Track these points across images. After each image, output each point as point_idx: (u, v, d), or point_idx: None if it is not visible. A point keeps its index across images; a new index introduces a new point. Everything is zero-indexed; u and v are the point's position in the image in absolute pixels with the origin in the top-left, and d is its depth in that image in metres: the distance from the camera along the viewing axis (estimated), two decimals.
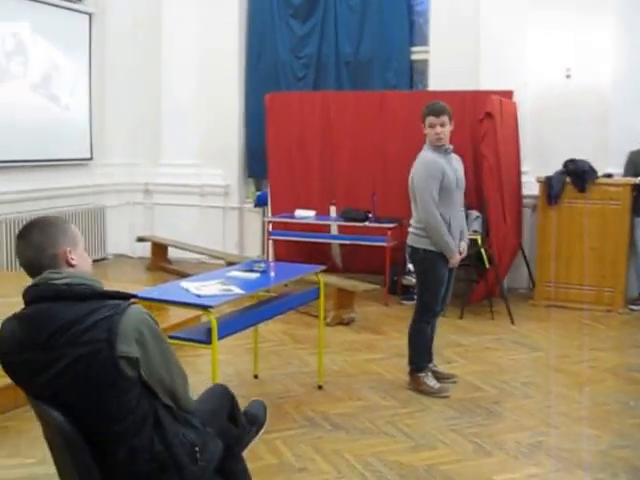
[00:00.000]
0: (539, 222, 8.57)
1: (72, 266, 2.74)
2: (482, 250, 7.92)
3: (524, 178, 8.95)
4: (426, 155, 5.51)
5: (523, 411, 5.35)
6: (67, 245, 2.75)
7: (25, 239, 2.74)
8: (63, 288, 2.65)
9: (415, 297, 6.12)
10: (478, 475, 4.34)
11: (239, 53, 10.94)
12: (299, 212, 9.29)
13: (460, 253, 5.66)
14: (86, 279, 2.73)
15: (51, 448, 2.82)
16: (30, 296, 2.70)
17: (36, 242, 2.71)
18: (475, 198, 8.31)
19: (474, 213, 8.23)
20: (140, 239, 10.87)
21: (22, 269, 2.78)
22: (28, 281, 2.75)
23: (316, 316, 6.84)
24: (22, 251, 2.75)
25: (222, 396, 3.39)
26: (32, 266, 2.73)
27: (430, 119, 5.48)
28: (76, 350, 2.54)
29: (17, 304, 2.76)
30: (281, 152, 9.71)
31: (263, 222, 10.43)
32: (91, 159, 11.14)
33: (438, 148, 5.50)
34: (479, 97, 8.35)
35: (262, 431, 3.81)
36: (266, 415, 3.89)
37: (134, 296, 2.78)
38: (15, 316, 2.73)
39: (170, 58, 11.09)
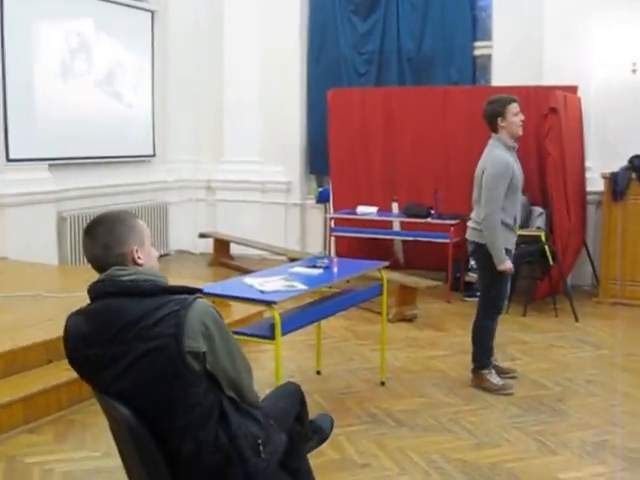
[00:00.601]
0: (604, 219, 8.43)
1: (139, 265, 2.75)
2: (546, 247, 7.82)
3: (588, 174, 8.80)
4: (498, 153, 5.42)
5: (588, 409, 5.28)
6: (135, 244, 2.75)
7: (93, 237, 2.74)
8: (129, 284, 2.66)
9: (478, 294, 6.05)
10: (542, 473, 4.29)
11: (301, 49, 10.96)
12: (361, 208, 9.26)
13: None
14: (151, 275, 2.74)
15: (117, 442, 2.84)
16: (96, 292, 2.71)
17: (104, 241, 2.71)
18: (539, 195, 8.22)
19: (538, 210, 8.14)
20: (202, 235, 10.96)
21: (88, 264, 2.79)
22: (92, 276, 2.77)
23: (377, 312, 6.83)
24: (89, 249, 2.75)
25: (294, 396, 3.40)
26: (99, 264, 2.74)
27: (515, 106, 5.44)
28: (144, 345, 2.56)
29: (82, 299, 2.78)
30: (343, 148, 9.70)
31: (325, 218, 10.42)
32: (154, 156, 11.28)
33: (509, 145, 5.45)
34: (543, 92, 8.25)
35: (323, 444, 3.83)
36: (331, 430, 3.90)
37: (199, 290, 2.79)
38: (80, 311, 2.75)
39: (232, 55, 11.15)
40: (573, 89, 8.53)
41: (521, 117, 5.46)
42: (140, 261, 2.75)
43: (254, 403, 2.91)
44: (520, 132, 5.47)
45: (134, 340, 2.57)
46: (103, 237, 2.72)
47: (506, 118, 5.43)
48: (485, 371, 5.71)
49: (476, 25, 10.04)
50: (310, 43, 10.98)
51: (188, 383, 2.60)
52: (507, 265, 5.44)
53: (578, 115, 8.64)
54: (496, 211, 5.35)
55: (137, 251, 2.75)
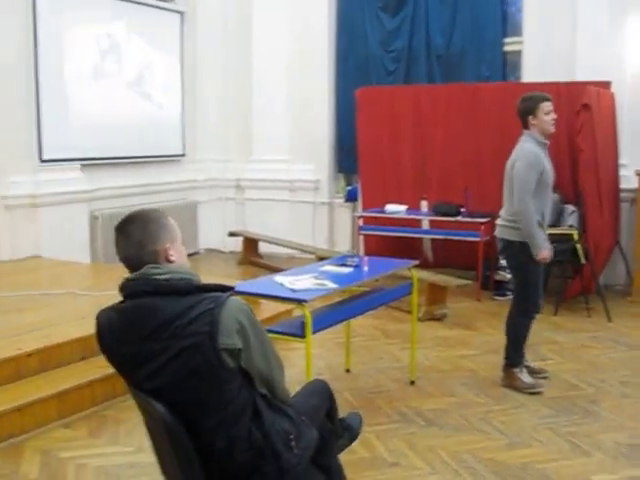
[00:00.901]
0: (638, 216, 8.35)
1: (171, 262, 2.77)
2: (578, 245, 7.76)
3: (622, 171, 8.73)
4: (529, 147, 5.44)
5: (621, 411, 5.23)
6: (167, 242, 2.77)
7: (126, 235, 2.76)
8: (164, 283, 2.67)
9: (510, 292, 6.03)
10: (575, 475, 4.26)
11: (329, 48, 10.96)
12: (390, 207, 9.25)
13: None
14: (185, 274, 2.75)
15: (152, 437, 2.86)
16: (129, 290, 2.73)
17: (137, 239, 2.73)
18: (571, 192, 8.16)
19: (570, 208, 8.08)
20: (231, 234, 11.01)
21: (120, 262, 2.80)
22: (124, 274, 2.78)
23: (407, 311, 6.82)
24: (123, 247, 2.77)
25: (323, 393, 3.41)
26: (132, 262, 2.76)
27: (547, 105, 5.44)
28: (179, 343, 2.58)
29: (114, 297, 2.80)
30: (372, 146, 9.70)
31: (353, 217, 10.43)
32: (183, 155, 11.35)
33: (540, 141, 5.44)
34: (575, 88, 8.19)
35: (354, 442, 3.83)
36: (361, 428, 3.90)
37: (233, 288, 2.80)
38: (112, 308, 2.77)
39: (260, 54, 11.18)
40: (606, 84, 8.45)
41: (553, 116, 5.45)
42: (172, 258, 2.77)
43: (285, 400, 2.93)
44: (552, 130, 5.47)
45: (169, 338, 2.59)
46: (137, 235, 2.74)
47: (537, 116, 5.43)
48: (516, 369, 5.69)
49: (506, 20, 9.97)
50: (338, 41, 10.99)
51: (222, 380, 2.62)
52: (545, 253, 5.43)
53: (611, 111, 8.55)
54: (528, 201, 5.33)
55: (169, 248, 2.77)
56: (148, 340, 2.62)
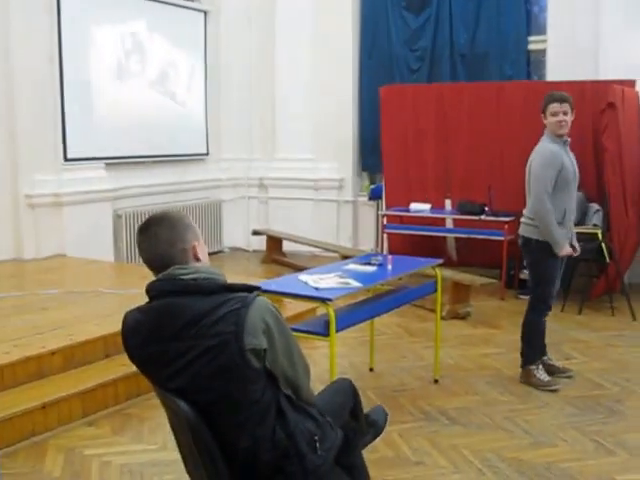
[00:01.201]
0: None
1: (199, 260, 2.78)
2: (602, 244, 7.71)
3: None
4: (546, 145, 5.45)
5: None
6: (194, 240, 2.78)
7: (152, 235, 2.76)
8: (191, 283, 2.68)
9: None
10: (600, 474, 4.23)
11: (352, 46, 10.95)
12: (414, 205, 9.25)
13: (573, 247, 5.58)
14: (211, 273, 2.75)
15: (176, 436, 2.87)
16: (156, 290, 2.73)
17: (166, 237, 2.73)
18: (596, 191, 8.11)
19: (594, 206, 8.03)
20: (255, 232, 11.03)
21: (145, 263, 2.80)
22: (149, 273, 2.79)
23: (430, 310, 6.82)
24: (148, 247, 2.77)
25: (348, 391, 3.40)
26: (159, 261, 2.75)
27: (553, 106, 5.41)
28: (205, 342, 2.58)
29: (138, 296, 2.81)
30: (396, 145, 9.68)
31: (377, 215, 10.43)
32: (207, 154, 11.38)
33: (558, 139, 5.42)
34: (600, 87, 8.12)
35: (379, 437, 3.82)
36: (386, 422, 3.89)
37: (259, 288, 2.80)
38: (139, 309, 2.77)
39: (284, 53, 11.19)
40: (631, 83, 8.37)
41: (560, 118, 5.40)
42: (200, 256, 2.79)
43: (310, 401, 2.92)
44: (559, 132, 5.42)
45: (196, 337, 2.60)
46: (165, 234, 2.74)
47: (546, 116, 5.47)
48: (532, 366, 5.69)
49: (530, 19, 9.93)
50: (362, 40, 10.98)
51: (247, 380, 2.62)
52: (566, 250, 5.46)
53: (636, 110, 8.47)
54: (545, 199, 5.35)
55: (197, 247, 2.78)
56: (174, 339, 2.63)
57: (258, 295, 2.70)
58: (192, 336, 2.60)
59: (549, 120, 5.44)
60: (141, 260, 2.82)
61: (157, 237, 2.75)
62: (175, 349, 2.63)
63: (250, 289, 2.72)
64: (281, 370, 2.73)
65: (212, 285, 2.70)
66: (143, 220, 2.85)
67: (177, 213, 2.88)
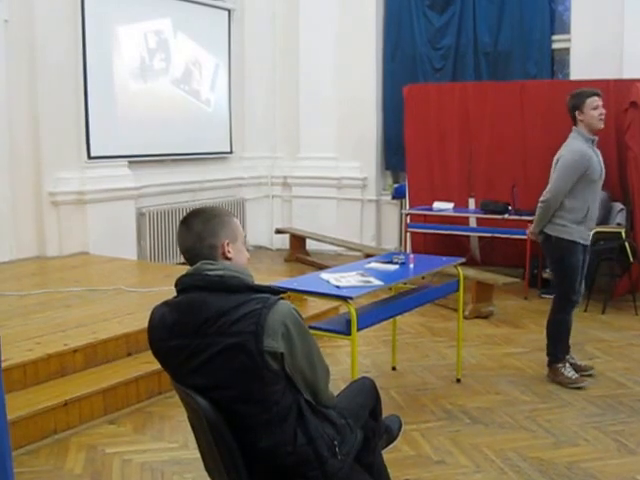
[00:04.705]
0: None
1: (228, 259, 2.78)
2: (626, 244, 7.65)
3: None
4: (577, 144, 5.42)
5: None
6: (226, 238, 2.78)
7: (188, 227, 2.78)
8: (216, 279, 2.69)
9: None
10: (621, 474, 4.20)
11: (376, 45, 10.94)
12: (437, 204, 9.23)
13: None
14: (238, 272, 2.75)
15: (195, 433, 2.87)
16: (183, 285, 2.75)
17: (197, 231, 2.75)
18: (619, 190, 8.07)
19: (618, 205, 7.98)
20: (278, 231, 11.05)
21: (166, 260, 2.82)
22: (171, 272, 2.81)
23: (453, 309, 6.80)
24: (184, 238, 2.80)
25: (369, 391, 3.38)
26: (190, 254, 2.78)
27: (594, 100, 5.40)
28: (225, 340, 2.58)
29: (161, 294, 2.82)
30: (419, 144, 9.66)
31: (400, 214, 10.42)
32: (231, 153, 11.40)
33: (590, 136, 5.40)
34: (623, 85, 8.07)
35: (391, 445, 3.79)
36: (400, 431, 3.86)
37: (284, 291, 2.80)
38: (166, 303, 2.80)
39: (307, 52, 11.20)
40: None
41: (601, 111, 5.39)
42: (229, 255, 2.78)
43: (329, 404, 2.91)
44: (600, 126, 5.41)
45: (215, 334, 2.60)
46: (197, 227, 2.76)
47: (584, 112, 5.40)
48: (559, 365, 5.67)
49: (554, 18, 9.88)
50: (386, 39, 10.95)
51: (266, 381, 2.61)
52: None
53: None
54: (558, 197, 5.41)
55: (228, 245, 2.78)
56: (195, 335, 2.64)
57: (282, 299, 2.69)
58: (212, 333, 2.60)
59: (590, 114, 5.39)
60: (164, 258, 2.83)
61: (190, 229, 2.78)
62: (195, 345, 2.64)
63: (275, 292, 2.72)
64: (300, 375, 2.72)
65: (237, 283, 2.70)
66: (166, 218, 2.87)
67: (218, 209, 2.90)
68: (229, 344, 2.58)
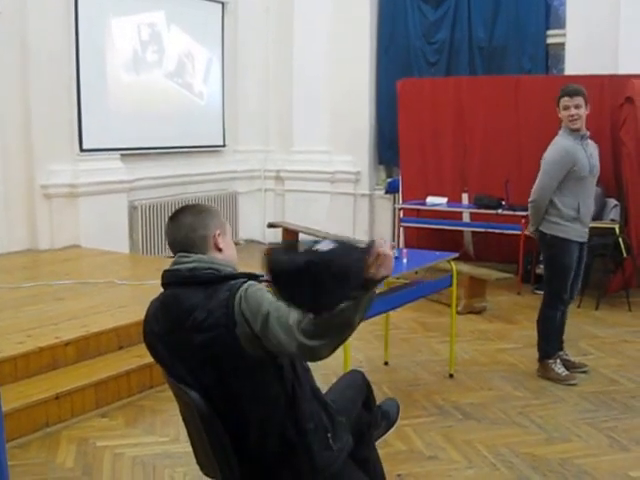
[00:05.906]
0: None
1: (220, 250, 2.77)
2: (620, 239, 7.65)
3: None
4: (562, 141, 5.43)
5: None
6: (217, 229, 2.78)
7: (179, 220, 2.79)
8: (186, 274, 2.67)
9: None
10: (614, 470, 4.20)
11: (370, 39, 10.89)
12: (431, 199, 9.22)
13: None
14: (214, 263, 2.71)
15: (187, 427, 2.86)
16: (164, 280, 2.76)
17: (188, 222, 2.76)
18: (614, 186, 8.06)
19: (612, 201, 7.98)
20: (271, 225, 11.00)
21: (157, 254, 2.80)
22: (163, 265, 2.79)
23: (446, 304, 6.78)
24: (175, 231, 2.78)
25: (360, 384, 3.36)
26: (180, 245, 2.76)
27: (564, 100, 5.38)
28: (200, 336, 2.55)
29: (153, 287, 2.82)
30: (413, 138, 9.64)
31: (394, 209, 10.40)
32: (224, 146, 11.36)
33: (574, 133, 5.37)
34: (618, 81, 8.06)
35: (391, 430, 3.76)
36: (398, 415, 3.83)
37: (261, 276, 2.62)
38: (158, 297, 2.80)
39: (301, 46, 11.15)
40: None
41: (571, 112, 5.35)
42: (221, 246, 2.78)
43: (305, 330, 2.33)
44: (572, 126, 5.38)
45: (192, 330, 2.57)
46: (188, 219, 2.76)
47: (559, 111, 5.44)
48: (550, 361, 5.68)
49: (549, 13, 9.85)
50: (380, 33, 10.91)
51: (251, 371, 2.58)
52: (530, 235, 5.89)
53: None
54: (546, 195, 5.42)
55: (219, 235, 2.78)
56: (174, 331, 2.64)
57: (246, 281, 2.59)
58: (189, 328, 2.58)
59: (561, 114, 5.41)
60: (156, 252, 2.82)
61: (180, 222, 2.78)
62: (177, 340, 2.63)
63: (250, 277, 2.65)
64: (267, 330, 2.42)
65: (209, 275, 2.65)
66: (158, 211, 2.86)
67: (206, 205, 2.93)
68: (206, 340, 2.54)
